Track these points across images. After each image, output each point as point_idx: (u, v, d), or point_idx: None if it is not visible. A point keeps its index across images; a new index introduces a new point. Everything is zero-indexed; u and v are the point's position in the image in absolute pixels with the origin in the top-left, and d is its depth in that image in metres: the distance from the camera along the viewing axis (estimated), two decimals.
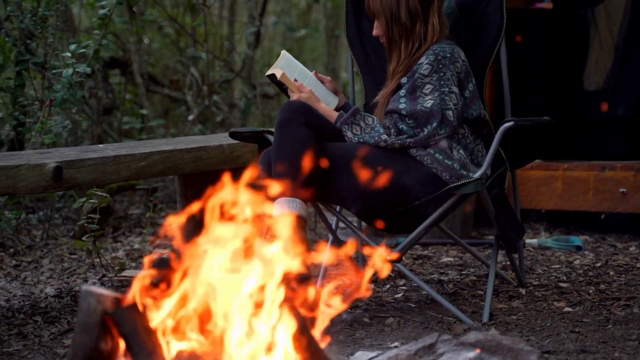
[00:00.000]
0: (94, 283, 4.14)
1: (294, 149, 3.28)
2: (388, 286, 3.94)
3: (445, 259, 4.43)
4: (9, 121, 5.20)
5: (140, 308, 2.15)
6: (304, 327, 2.34)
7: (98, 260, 4.38)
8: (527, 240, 4.69)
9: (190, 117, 6.50)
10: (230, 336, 2.23)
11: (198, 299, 2.23)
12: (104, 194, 4.13)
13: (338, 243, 3.74)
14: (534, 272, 4.14)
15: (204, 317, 2.23)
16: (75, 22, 6.50)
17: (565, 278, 4.03)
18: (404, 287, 3.89)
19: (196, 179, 4.15)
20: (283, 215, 3.21)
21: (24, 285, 4.18)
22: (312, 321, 2.61)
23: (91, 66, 5.08)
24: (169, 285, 2.21)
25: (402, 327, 3.37)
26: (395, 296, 3.77)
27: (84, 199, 4.25)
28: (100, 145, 3.97)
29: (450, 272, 4.17)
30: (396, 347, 3.07)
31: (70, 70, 4.34)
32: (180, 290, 2.21)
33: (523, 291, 3.79)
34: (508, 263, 4.14)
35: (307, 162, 3.27)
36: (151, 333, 2.13)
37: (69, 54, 4.39)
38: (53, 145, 4.74)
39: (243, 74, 7.16)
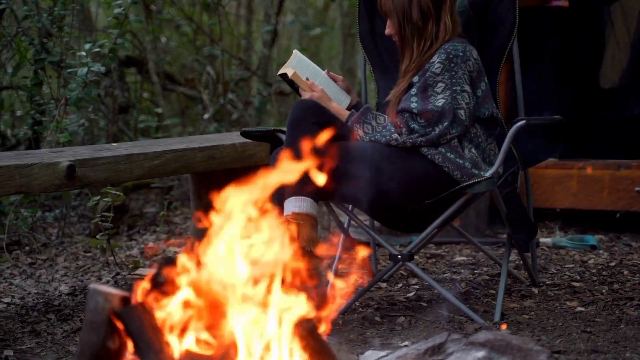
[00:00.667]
0: (107, 281, 4.16)
1: (304, 148, 3.27)
2: (400, 285, 3.94)
3: (458, 258, 4.42)
4: (26, 120, 5.23)
5: (147, 307, 2.16)
6: (313, 328, 2.34)
7: (112, 258, 4.40)
8: (542, 239, 4.67)
9: (206, 116, 6.51)
10: (238, 336, 2.24)
11: (205, 298, 2.23)
12: (118, 193, 4.15)
13: (350, 242, 3.74)
14: (547, 272, 4.13)
15: (212, 317, 2.24)
16: (93, 21, 6.53)
17: (578, 277, 4.01)
18: (416, 286, 3.88)
19: (210, 177, 4.16)
20: (293, 214, 3.21)
21: (39, 283, 4.21)
22: (321, 320, 2.62)
23: (107, 65, 5.11)
24: (175, 284, 2.22)
25: (413, 326, 3.37)
26: (407, 295, 3.77)
27: (98, 197, 4.27)
28: (113, 144, 3.99)
29: (462, 271, 4.16)
30: (406, 346, 3.07)
31: (85, 69, 4.36)
32: (187, 289, 2.22)
33: (535, 290, 3.78)
34: (521, 262, 4.12)
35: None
36: (158, 332, 2.14)
37: (83, 53, 4.41)
38: (69, 144, 4.77)
39: (259, 72, 7.16)
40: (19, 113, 6.11)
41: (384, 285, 3.93)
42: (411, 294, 3.77)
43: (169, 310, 2.21)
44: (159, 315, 2.19)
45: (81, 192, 5.60)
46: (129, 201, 5.43)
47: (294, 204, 3.24)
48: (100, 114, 5.90)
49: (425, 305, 3.61)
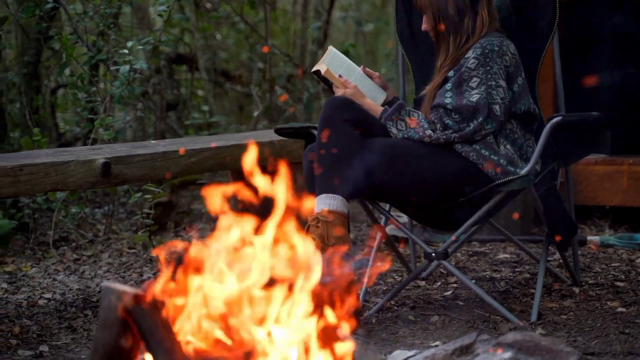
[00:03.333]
0: (148, 278, 4.19)
1: (336, 145, 3.25)
2: (439, 284, 3.89)
3: (501, 256, 4.35)
4: (76, 118, 5.29)
5: (159, 305, 2.16)
6: (333, 331, 2.32)
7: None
8: (589, 237, 4.57)
9: (256, 113, 6.52)
10: (254, 335, 2.22)
11: (220, 296, 2.23)
12: (159, 189, 4.17)
13: (387, 240, 3.70)
14: (591, 270, 4.04)
15: (226, 315, 2.23)
16: (150, 19, 6.58)
17: (623, 277, 3.92)
18: (454, 285, 3.83)
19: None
20: (323, 211, 3.19)
21: (81, 279, 4.26)
22: (350, 319, 2.59)
23: (153, 63, 5.14)
24: (187, 282, 2.22)
25: (446, 325, 3.32)
26: (445, 294, 3.72)
27: (139, 194, 4.30)
28: (152, 142, 4.02)
29: (503, 269, 4.09)
30: (437, 346, 3.03)
31: (127, 67, 4.40)
32: (201, 287, 2.22)
33: (576, 290, 3.71)
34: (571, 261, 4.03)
35: (349, 158, 3.25)
36: (170, 330, 2.14)
37: (126, 51, 4.45)
38: (115, 141, 4.82)
39: (308, 69, 7.15)
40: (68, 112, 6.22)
41: (422, 283, 3.89)
42: (448, 293, 3.72)
43: (183, 309, 2.21)
44: (172, 313, 2.19)
45: (129, 189, 5.65)
46: (177, 198, 5.45)
47: (324, 201, 3.21)
48: (147, 112, 5.94)
49: (462, 304, 3.56)
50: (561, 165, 3.58)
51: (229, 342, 2.19)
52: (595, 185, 4.93)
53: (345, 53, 6.62)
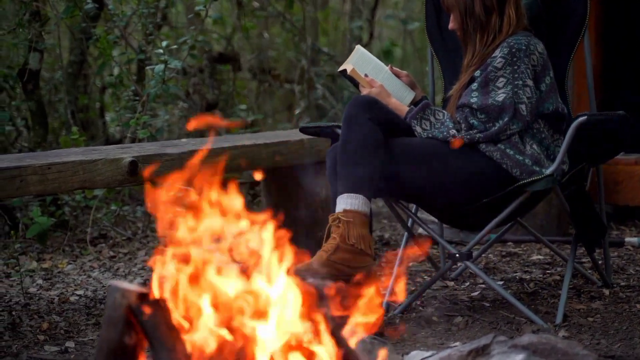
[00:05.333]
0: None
1: (359, 145, 3.25)
2: (467, 284, 3.86)
3: (534, 257, 4.31)
4: (115, 118, 5.36)
5: (163, 304, 2.18)
6: (336, 326, 2.32)
7: None
8: (627, 239, 4.50)
9: (297, 112, 6.54)
10: (256, 333, 2.23)
11: (223, 294, 2.24)
12: (189, 187, 4.20)
13: (414, 240, 3.68)
14: (624, 272, 3.98)
15: (228, 313, 2.24)
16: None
17: None
18: (482, 286, 3.80)
19: (280, 173, 4.17)
20: (344, 211, 3.19)
21: (115, 276, 4.31)
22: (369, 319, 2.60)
23: (200, 62, 5.18)
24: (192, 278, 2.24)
25: (469, 326, 3.30)
26: (472, 294, 3.69)
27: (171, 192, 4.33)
28: (183, 140, 4.05)
29: (534, 270, 4.05)
30: (455, 347, 3.00)
31: (162, 66, 4.44)
32: (204, 283, 2.23)
33: (606, 292, 3.65)
34: (601, 262, 3.98)
35: (371, 158, 3.24)
36: (172, 329, 2.16)
37: (161, 50, 4.49)
38: (153, 139, 4.87)
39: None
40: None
41: (450, 284, 3.86)
42: (476, 294, 3.69)
43: (186, 307, 2.23)
44: (175, 311, 2.21)
45: None
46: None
47: (345, 201, 3.21)
48: (186, 110, 5.99)
49: (488, 305, 3.53)
50: (591, 165, 3.53)
51: (230, 337, 2.20)
52: (635, 186, 4.85)
53: (387, 52, 6.63)
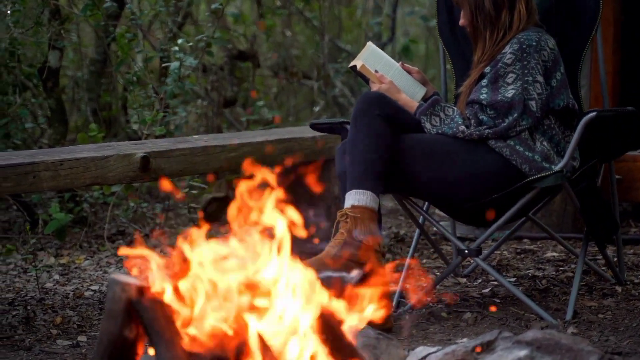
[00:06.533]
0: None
1: (367, 141, 3.26)
2: (480, 281, 3.86)
3: (549, 254, 4.29)
4: (134, 115, 5.40)
5: (162, 297, 2.20)
6: (335, 322, 2.33)
7: None
8: None
9: (317, 108, 6.55)
10: (255, 327, 2.25)
11: (222, 288, 2.26)
12: (202, 185, 4.24)
13: (427, 237, 3.69)
14: (639, 269, 3.95)
15: (229, 307, 2.26)
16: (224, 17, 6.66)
17: None
18: (494, 282, 3.79)
19: (291, 170, 4.17)
20: (352, 207, 3.19)
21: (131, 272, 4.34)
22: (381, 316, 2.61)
23: (209, 60, 5.20)
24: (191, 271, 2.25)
25: (478, 323, 3.29)
26: (483, 291, 3.68)
27: (186, 189, 4.37)
28: (195, 136, 4.07)
29: (547, 267, 4.03)
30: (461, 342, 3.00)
31: (177, 64, 4.46)
32: (203, 277, 2.25)
33: (619, 289, 3.63)
34: (614, 259, 3.95)
35: (380, 154, 3.25)
36: (171, 322, 2.18)
37: (176, 48, 4.52)
38: (170, 136, 4.91)
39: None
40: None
41: (463, 280, 3.86)
42: (487, 290, 3.68)
43: (185, 300, 2.25)
44: (174, 305, 2.23)
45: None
46: (233, 193, 5.51)
47: (353, 197, 3.22)
48: (203, 108, 6.03)
49: (498, 302, 3.52)
50: (602, 162, 3.52)
51: (230, 332, 2.22)
52: None
53: (406, 49, 6.62)
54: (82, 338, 3.34)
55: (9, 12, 4.94)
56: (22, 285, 4.10)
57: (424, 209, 3.60)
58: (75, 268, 4.42)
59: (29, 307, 3.69)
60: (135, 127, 6.17)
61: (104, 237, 4.87)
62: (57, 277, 4.25)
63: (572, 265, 4.04)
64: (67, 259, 4.58)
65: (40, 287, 3.99)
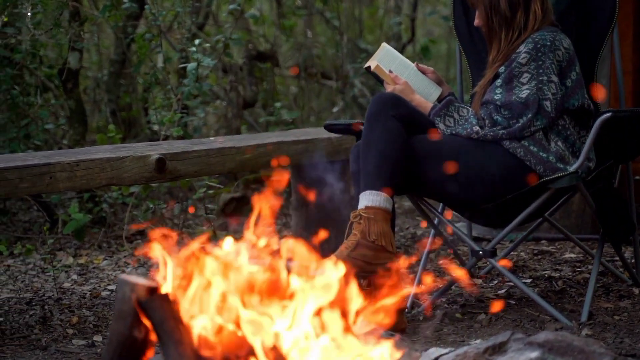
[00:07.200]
0: None
1: (382, 142, 3.25)
2: (495, 282, 3.84)
3: (566, 256, 4.26)
4: (153, 115, 5.42)
5: (170, 297, 2.21)
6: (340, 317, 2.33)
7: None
8: None
9: (335, 109, 6.55)
10: (262, 327, 2.25)
11: (234, 287, 2.26)
12: (218, 185, 4.25)
13: (442, 238, 3.68)
14: None
15: (238, 306, 2.26)
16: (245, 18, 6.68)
17: None
18: (510, 283, 3.77)
19: (309, 170, 4.18)
20: (366, 208, 3.19)
21: (149, 271, 4.36)
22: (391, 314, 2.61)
23: (229, 61, 5.20)
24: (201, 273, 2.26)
25: (492, 324, 3.28)
26: (498, 292, 3.67)
27: (203, 189, 4.38)
28: (211, 138, 4.08)
29: (564, 268, 4.01)
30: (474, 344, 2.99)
31: (195, 65, 4.48)
32: (214, 279, 2.26)
33: (636, 291, 3.60)
34: (633, 261, 3.92)
35: (394, 155, 3.24)
36: (180, 322, 2.19)
37: (194, 49, 4.53)
38: (188, 137, 4.93)
39: None
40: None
41: (478, 281, 3.85)
42: (502, 291, 3.67)
43: (194, 300, 2.25)
44: (184, 305, 2.24)
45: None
46: (250, 193, 5.53)
47: (367, 198, 3.22)
48: (227, 109, 6.04)
49: (513, 303, 3.51)
50: (618, 163, 3.49)
51: (239, 332, 2.22)
52: None
53: (425, 50, 6.61)
54: (97, 338, 3.36)
55: (29, 14, 4.97)
56: (40, 285, 4.13)
57: (439, 210, 3.59)
58: (94, 268, 4.45)
59: (46, 307, 3.72)
60: (155, 127, 6.21)
61: (123, 238, 4.90)
62: (75, 277, 4.27)
63: (589, 267, 4.01)
64: (85, 259, 4.61)
65: (58, 287, 4.02)
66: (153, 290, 2.20)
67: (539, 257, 4.26)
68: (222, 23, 6.65)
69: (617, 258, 4.03)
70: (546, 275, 3.89)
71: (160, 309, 2.18)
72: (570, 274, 3.91)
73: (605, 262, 3.70)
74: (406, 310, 3.39)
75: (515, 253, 4.29)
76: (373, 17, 8.70)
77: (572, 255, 4.26)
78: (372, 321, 2.58)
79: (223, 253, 2.31)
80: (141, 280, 2.22)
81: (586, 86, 3.44)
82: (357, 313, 2.52)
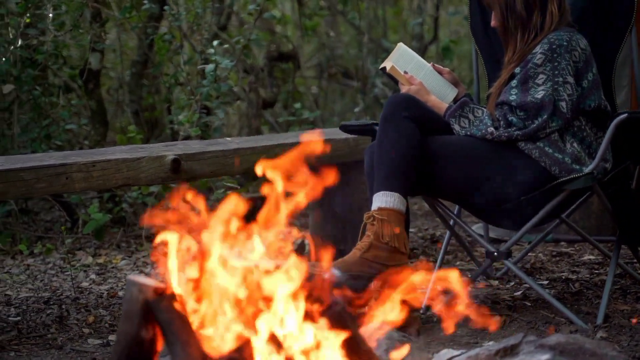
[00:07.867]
0: None
1: (395, 143, 3.24)
2: (512, 283, 3.82)
3: (585, 257, 4.23)
4: (170, 116, 5.45)
5: (178, 298, 2.21)
6: (344, 314, 2.32)
7: None
8: None
9: (357, 109, 6.55)
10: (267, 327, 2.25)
11: (239, 289, 2.26)
12: (235, 185, 4.26)
13: (459, 240, 3.66)
14: None
15: (246, 309, 2.26)
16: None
17: None
18: (526, 285, 3.75)
19: (325, 171, 4.17)
20: (379, 209, 3.19)
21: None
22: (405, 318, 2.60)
23: (250, 62, 5.21)
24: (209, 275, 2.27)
25: (507, 326, 3.27)
26: (515, 294, 3.65)
27: (222, 190, 4.40)
28: (228, 139, 4.09)
29: (582, 270, 3.98)
30: (485, 346, 2.98)
31: (213, 66, 4.49)
32: (220, 279, 2.26)
33: None
34: None
35: (407, 156, 3.23)
36: (187, 323, 2.19)
37: (212, 50, 4.55)
38: (208, 137, 4.94)
39: None
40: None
41: (495, 283, 3.83)
42: (518, 293, 3.65)
43: (202, 301, 2.26)
44: (191, 306, 2.24)
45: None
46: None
47: (380, 199, 3.21)
48: (248, 109, 6.06)
49: (529, 305, 3.49)
50: (635, 164, 3.46)
51: (247, 333, 2.22)
52: None
53: (446, 50, 6.59)
54: (112, 337, 3.38)
55: (50, 15, 5.01)
56: (58, 284, 4.16)
57: (455, 211, 3.57)
58: (112, 268, 4.47)
59: (63, 306, 3.74)
60: (177, 128, 6.24)
61: (142, 237, 4.92)
62: (93, 276, 4.30)
63: (607, 269, 3.98)
64: (104, 258, 4.64)
65: (75, 287, 4.05)
66: (160, 291, 2.21)
67: (557, 258, 4.24)
68: (246, 24, 6.67)
69: (635, 260, 4.00)
70: (563, 277, 3.87)
71: (167, 309, 2.18)
72: (587, 276, 3.89)
73: (622, 264, 3.67)
74: (420, 311, 3.37)
75: (534, 254, 4.27)
76: (397, 17, 8.69)
77: (591, 257, 4.23)
78: (385, 321, 2.58)
79: (231, 253, 2.31)
80: (149, 281, 2.22)
81: (603, 87, 3.42)
82: (369, 313, 2.53)
